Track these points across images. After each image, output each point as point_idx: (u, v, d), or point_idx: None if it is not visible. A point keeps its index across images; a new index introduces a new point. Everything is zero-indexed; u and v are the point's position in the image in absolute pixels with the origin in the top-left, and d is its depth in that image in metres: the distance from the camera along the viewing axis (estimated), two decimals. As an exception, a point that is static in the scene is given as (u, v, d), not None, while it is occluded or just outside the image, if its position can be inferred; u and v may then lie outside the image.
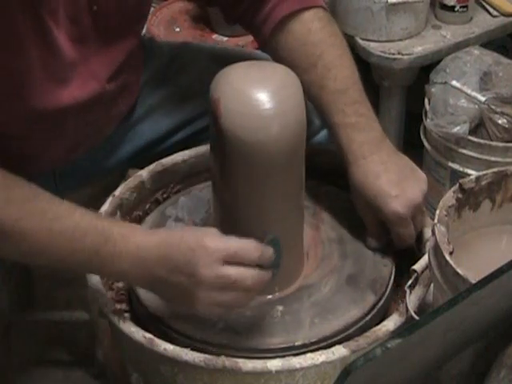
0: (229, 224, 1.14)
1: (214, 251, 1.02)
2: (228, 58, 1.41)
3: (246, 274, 1.02)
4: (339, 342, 1.08)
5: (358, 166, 1.19)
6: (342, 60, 1.25)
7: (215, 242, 1.03)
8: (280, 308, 1.15)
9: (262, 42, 1.32)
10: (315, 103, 1.24)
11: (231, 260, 1.02)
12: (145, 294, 1.16)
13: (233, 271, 1.02)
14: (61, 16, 1.13)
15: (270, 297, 1.16)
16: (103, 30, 1.21)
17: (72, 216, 1.05)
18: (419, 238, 1.23)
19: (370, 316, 1.14)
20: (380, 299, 1.16)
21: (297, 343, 1.10)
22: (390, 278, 1.19)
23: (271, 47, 1.29)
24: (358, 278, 1.19)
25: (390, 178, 1.18)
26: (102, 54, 1.22)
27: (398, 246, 1.22)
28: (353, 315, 1.13)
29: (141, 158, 1.42)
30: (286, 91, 1.09)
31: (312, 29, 1.26)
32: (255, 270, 1.03)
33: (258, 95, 1.07)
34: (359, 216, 1.25)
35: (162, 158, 1.35)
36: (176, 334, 1.12)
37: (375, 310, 1.15)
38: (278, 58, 1.27)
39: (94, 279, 1.17)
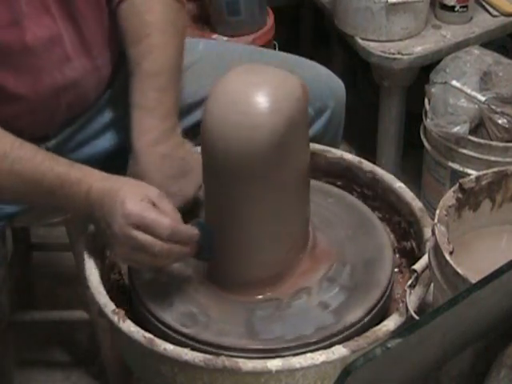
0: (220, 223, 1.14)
1: (128, 215, 1.10)
2: (227, 51, 1.41)
3: (152, 243, 1.10)
4: (339, 342, 1.08)
5: (142, 153, 1.23)
6: (166, 47, 1.29)
7: (134, 206, 1.11)
8: (281, 307, 1.15)
9: (112, 10, 1.34)
10: (128, 80, 1.28)
11: (142, 228, 1.10)
12: (145, 294, 1.16)
13: (140, 236, 1.10)
14: None
15: (269, 294, 1.16)
16: None
17: (33, 159, 1.16)
18: (419, 237, 1.23)
19: (370, 316, 1.14)
20: (380, 299, 1.16)
21: (297, 343, 1.09)
22: (390, 277, 1.19)
23: (116, 16, 1.33)
24: (357, 277, 1.18)
25: (172, 173, 1.23)
26: (58, 8, 1.26)
27: None
28: (353, 315, 1.13)
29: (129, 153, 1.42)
30: (280, 97, 1.09)
31: (153, 9, 1.31)
32: (162, 242, 1.09)
33: (251, 102, 1.07)
34: (359, 216, 1.25)
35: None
36: (176, 333, 1.12)
37: (375, 310, 1.15)
38: (118, 27, 1.33)
39: (94, 279, 1.17)
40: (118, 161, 1.45)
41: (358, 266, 1.19)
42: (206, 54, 1.45)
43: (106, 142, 1.43)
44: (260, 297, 1.16)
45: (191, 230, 1.12)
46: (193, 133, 1.37)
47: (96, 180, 1.16)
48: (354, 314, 1.13)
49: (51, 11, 1.27)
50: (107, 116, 1.42)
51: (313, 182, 1.24)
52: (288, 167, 1.12)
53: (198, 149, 1.31)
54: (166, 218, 1.11)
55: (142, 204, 1.11)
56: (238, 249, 1.15)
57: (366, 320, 1.13)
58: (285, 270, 1.18)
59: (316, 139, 1.38)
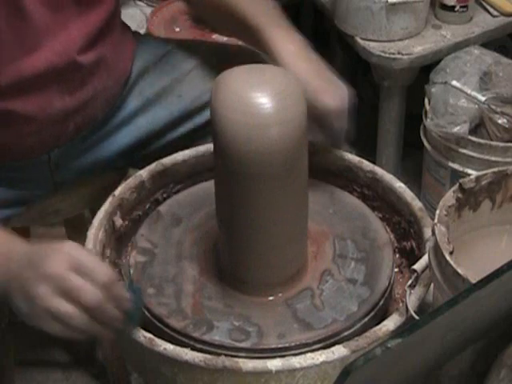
0: (230, 222, 1.14)
1: (66, 253, 1.00)
2: (228, 53, 1.41)
3: (88, 288, 0.99)
4: (339, 342, 1.08)
5: (290, 60, 1.20)
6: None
7: (72, 247, 1.02)
8: (315, 295, 1.15)
9: None
10: (232, 11, 1.27)
11: (79, 271, 0.99)
12: (145, 294, 1.16)
13: (76, 279, 0.99)
14: None
15: (271, 298, 1.17)
16: None
17: None
18: (419, 237, 1.23)
19: (369, 316, 1.14)
20: (380, 299, 1.16)
21: (297, 343, 1.09)
22: (390, 277, 1.19)
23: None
24: (357, 277, 1.19)
25: (320, 75, 1.19)
26: (78, 19, 1.24)
27: (332, 143, 1.26)
28: (353, 315, 1.13)
29: (138, 155, 1.42)
30: (285, 96, 1.08)
31: None
32: (100, 292, 0.99)
33: (256, 102, 1.07)
34: (359, 216, 1.25)
35: (161, 154, 1.35)
36: (176, 333, 1.12)
37: (375, 310, 1.15)
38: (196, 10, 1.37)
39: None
40: (120, 164, 1.46)
41: (355, 274, 1.19)
42: (207, 57, 1.45)
43: (109, 147, 1.42)
44: (271, 298, 1.17)
45: (125, 292, 1.03)
46: (197, 136, 1.37)
47: (20, 245, 1.07)
48: (382, 282, 1.16)
49: (72, 35, 1.24)
50: (112, 124, 1.41)
51: (313, 182, 1.24)
52: (297, 166, 1.12)
53: (201, 148, 1.33)
54: (107, 266, 1.05)
55: (84, 249, 1.06)
56: (254, 250, 1.15)
57: (365, 320, 1.13)
58: (295, 273, 1.18)
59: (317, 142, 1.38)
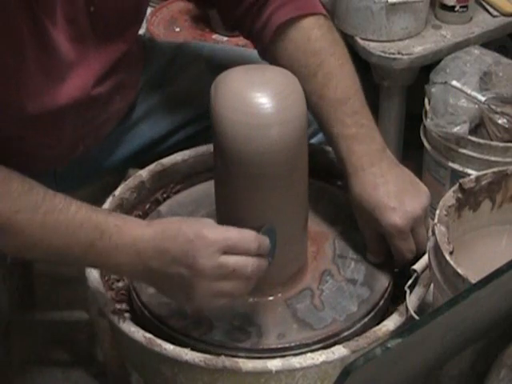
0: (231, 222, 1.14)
1: (214, 242, 1.01)
2: (228, 59, 1.41)
3: (244, 263, 1.02)
4: (339, 342, 1.08)
5: (356, 178, 1.17)
6: (342, 69, 1.23)
7: (214, 232, 1.02)
8: (282, 308, 1.15)
9: (261, 49, 1.29)
10: (315, 113, 1.22)
11: (230, 250, 1.02)
12: (145, 294, 1.16)
13: (232, 260, 1.02)
14: (58, 16, 1.13)
15: (271, 298, 1.16)
16: (101, 31, 1.21)
17: (66, 209, 1.04)
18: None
19: (369, 316, 1.14)
20: (380, 299, 1.16)
21: (297, 343, 1.09)
22: (390, 277, 1.19)
23: (271, 55, 1.27)
24: (357, 277, 1.19)
25: (389, 190, 1.15)
26: (99, 53, 1.22)
27: (398, 261, 1.19)
28: (353, 315, 1.13)
29: (141, 159, 1.42)
30: (285, 96, 1.08)
31: (312, 37, 1.23)
32: (253, 258, 1.03)
33: (256, 102, 1.07)
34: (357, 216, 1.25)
35: (161, 158, 1.35)
36: (176, 333, 1.12)
37: (375, 310, 1.15)
38: (277, 65, 1.24)
39: (94, 279, 1.17)
40: (122, 167, 1.46)
41: (354, 276, 1.19)
42: (211, 61, 1.46)
43: (111, 156, 1.43)
44: (271, 298, 1.17)
45: (267, 240, 1.06)
46: (204, 137, 1.37)
47: (139, 227, 1.05)
48: (382, 282, 1.16)
49: (91, 68, 1.22)
50: (115, 133, 1.42)
51: (313, 182, 1.24)
52: (297, 166, 1.12)
53: (201, 148, 1.32)
54: (249, 231, 1.04)
55: (219, 227, 1.04)
56: None
57: (365, 320, 1.13)
58: (295, 272, 1.18)
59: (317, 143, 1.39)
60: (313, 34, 1.24)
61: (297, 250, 1.18)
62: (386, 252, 1.19)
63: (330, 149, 1.35)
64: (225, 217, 1.15)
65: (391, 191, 1.15)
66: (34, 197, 1.04)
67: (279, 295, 1.17)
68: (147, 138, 1.43)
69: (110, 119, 1.36)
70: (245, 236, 1.04)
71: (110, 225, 1.05)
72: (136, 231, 1.04)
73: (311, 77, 1.21)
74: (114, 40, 1.24)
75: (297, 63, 1.22)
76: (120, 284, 1.25)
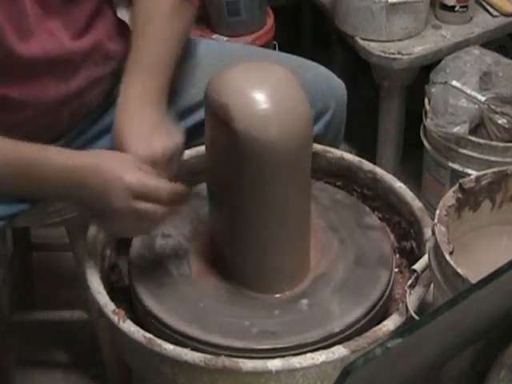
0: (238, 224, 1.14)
1: (128, 186, 1.12)
2: (227, 51, 1.41)
3: (154, 209, 1.13)
4: (339, 342, 1.08)
5: (122, 112, 1.24)
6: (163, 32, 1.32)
7: (131, 177, 1.13)
8: (281, 309, 1.15)
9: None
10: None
11: (142, 196, 1.12)
12: (145, 294, 1.16)
13: (142, 206, 1.12)
14: None
15: (277, 296, 1.17)
16: None
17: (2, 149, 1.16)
18: (419, 237, 1.23)
19: (369, 316, 1.14)
20: (380, 299, 1.16)
21: (297, 343, 1.09)
22: (390, 277, 1.19)
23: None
24: (357, 277, 1.19)
25: (141, 132, 1.22)
26: (62, 12, 1.27)
27: None
28: (353, 315, 1.13)
29: None
30: (287, 90, 1.09)
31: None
32: (164, 206, 1.13)
33: (261, 95, 1.08)
34: (358, 217, 1.25)
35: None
36: (176, 333, 1.12)
37: (375, 310, 1.15)
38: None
39: (94, 279, 1.17)
40: None
41: (353, 277, 1.19)
42: (206, 55, 1.45)
43: (107, 143, 1.42)
44: (278, 295, 1.17)
45: (182, 187, 1.15)
46: (195, 133, 1.37)
47: (66, 157, 1.17)
48: (383, 281, 1.16)
49: (57, 25, 1.28)
50: (109, 118, 1.42)
51: (313, 182, 1.24)
52: (298, 161, 1.13)
53: (201, 148, 1.33)
54: (165, 182, 1.14)
55: (139, 174, 1.13)
56: (263, 248, 1.15)
57: (365, 320, 1.13)
58: (305, 265, 1.19)
59: (317, 139, 1.38)
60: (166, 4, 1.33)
61: (301, 247, 1.18)
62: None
63: (330, 149, 1.36)
64: (225, 219, 1.16)
65: (143, 132, 1.23)
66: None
67: (277, 296, 1.17)
68: None
69: (94, 86, 1.36)
70: (159, 186, 1.13)
71: (39, 156, 1.17)
72: (62, 161, 1.16)
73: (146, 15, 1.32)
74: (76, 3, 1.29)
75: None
76: (120, 284, 1.25)
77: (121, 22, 1.43)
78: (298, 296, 1.17)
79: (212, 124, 1.12)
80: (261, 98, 1.07)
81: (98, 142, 1.42)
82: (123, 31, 1.41)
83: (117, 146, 1.21)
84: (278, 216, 1.13)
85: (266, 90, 1.09)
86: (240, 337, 1.10)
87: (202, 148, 1.34)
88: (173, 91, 1.42)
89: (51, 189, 1.18)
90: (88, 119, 1.41)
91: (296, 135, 1.09)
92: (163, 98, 1.28)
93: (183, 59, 1.44)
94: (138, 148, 1.19)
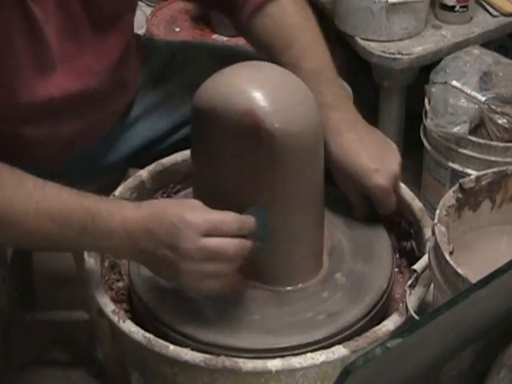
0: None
1: (195, 225, 1.04)
2: (228, 55, 1.41)
3: (226, 245, 1.05)
4: (339, 342, 1.08)
5: (336, 144, 1.22)
6: (316, 42, 1.31)
7: (196, 216, 1.05)
8: (279, 308, 1.15)
9: (238, 25, 1.35)
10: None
11: (211, 233, 1.05)
12: (145, 295, 1.16)
13: (213, 243, 1.05)
14: (49, 3, 1.14)
15: (289, 288, 1.17)
16: (95, 18, 1.21)
17: (58, 197, 1.08)
18: (419, 237, 1.23)
19: (369, 316, 1.14)
20: (380, 299, 1.16)
21: (297, 343, 1.09)
22: (390, 277, 1.19)
23: (248, 30, 1.33)
24: (358, 277, 1.19)
25: (369, 154, 1.22)
26: (95, 47, 1.23)
27: (384, 214, 1.26)
28: (353, 315, 1.13)
29: (140, 158, 1.42)
30: (291, 82, 1.12)
31: (288, 12, 1.30)
32: (236, 239, 1.06)
33: (275, 92, 1.10)
34: (359, 217, 1.26)
35: (161, 157, 1.35)
36: (176, 333, 1.12)
37: (375, 310, 1.15)
38: (254, 41, 1.34)
39: (94, 280, 1.17)
40: (121, 166, 1.46)
41: (354, 276, 1.19)
42: (212, 56, 1.46)
43: (110, 155, 1.43)
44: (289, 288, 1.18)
45: (251, 219, 1.09)
46: None
47: (129, 209, 1.08)
48: (383, 281, 1.16)
49: (87, 62, 1.23)
50: (114, 133, 1.42)
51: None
52: (319, 152, 1.14)
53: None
54: (229, 213, 1.07)
55: (200, 211, 1.07)
56: (278, 239, 1.15)
57: (365, 320, 1.13)
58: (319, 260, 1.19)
59: None
60: (289, 10, 1.31)
61: (312, 242, 1.18)
62: (370, 209, 1.25)
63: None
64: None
65: (371, 154, 1.22)
66: (26, 186, 1.07)
67: (299, 285, 1.17)
68: (146, 137, 1.43)
69: (109, 118, 1.35)
70: (225, 218, 1.07)
71: (101, 209, 1.08)
72: (126, 214, 1.08)
73: (287, 49, 1.28)
74: (110, 30, 1.25)
75: (274, 36, 1.30)
76: (120, 284, 1.25)
77: (136, 50, 1.40)
78: (297, 296, 1.17)
79: (228, 135, 1.11)
80: (277, 95, 1.09)
81: (98, 154, 1.41)
82: (137, 60, 1.40)
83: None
84: (311, 204, 1.15)
85: (275, 86, 1.10)
86: (240, 337, 1.10)
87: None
88: (175, 100, 1.43)
89: (114, 244, 1.08)
90: (99, 149, 1.40)
91: (314, 122, 1.12)
92: (354, 107, 1.28)
93: (189, 64, 1.45)
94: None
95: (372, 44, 1.98)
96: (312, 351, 1.07)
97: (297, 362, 1.05)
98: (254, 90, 1.09)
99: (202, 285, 1.08)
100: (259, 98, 1.08)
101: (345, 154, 1.21)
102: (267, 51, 1.30)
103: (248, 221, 1.08)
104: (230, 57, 1.38)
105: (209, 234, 1.05)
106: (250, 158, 1.11)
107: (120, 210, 1.08)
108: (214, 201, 1.11)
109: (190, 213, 1.06)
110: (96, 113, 1.30)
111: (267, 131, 1.07)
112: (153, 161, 1.34)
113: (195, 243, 1.04)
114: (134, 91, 1.40)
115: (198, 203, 1.09)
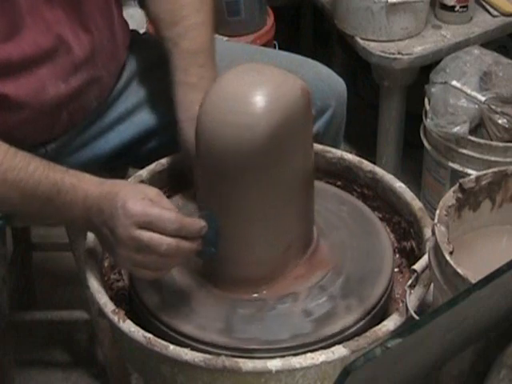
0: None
1: (132, 215, 1.07)
2: (229, 52, 1.41)
3: (158, 241, 1.07)
4: (339, 342, 1.08)
5: (188, 125, 1.22)
6: (202, 25, 1.32)
7: (137, 206, 1.08)
8: (264, 309, 1.15)
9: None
10: (167, 59, 1.31)
11: (147, 226, 1.07)
12: (145, 294, 1.16)
13: (144, 236, 1.07)
14: None
15: (256, 294, 1.17)
16: None
17: (26, 167, 1.13)
18: (419, 237, 1.23)
19: (369, 316, 1.14)
20: (380, 299, 1.16)
21: (297, 343, 1.09)
22: (390, 277, 1.19)
23: (147, 3, 1.37)
24: (349, 289, 1.18)
25: None
26: (62, 3, 1.25)
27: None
28: (332, 327, 1.12)
29: (136, 152, 1.42)
30: (278, 96, 1.10)
31: None
32: (172, 238, 1.07)
33: (248, 101, 1.08)
34: (359, 217, 1.25)
35: (157, 153, 1.35)
36: (176, 333, 1.12)
37: (375, 311, 1.15)
38: (149, 13, 1.37)
39: (94, 280, 1.17)
40: (116, 163, 1.46)
41: (354, 277, 1.19)
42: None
43: (105, 144, 1.42)
44: (247, 296, 1.16)
45: (198, 223, 1.10)
46: None
47: (92, 185, 1.13)
48: (333, 326, 1.11)
49: (59, 17, 1.25)
50: (107, 120, 1.42)
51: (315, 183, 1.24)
52: (286, 166, 1.12)
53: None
54: (170, 212, 1.08)
55: (143, 202, 1.08)
56: (232, 246, 1.15)
57: (365, 320, 1.13)
58: (279, 271, 1.18)
59: (317, 138, 1.38)
60: None
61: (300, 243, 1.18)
62: None
63: (329, 149, 1.36)
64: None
65: None
66: None
67: (255, 295, 1.17)
68: (141, 129, 1.43)
69: (92, 86, 1.35)
70: (163, 215, 1.08)
71: (66, 183, 1.13)
72: (87, 189, 1.13)
73: (173, 25, 1.32)
74: None
75: (165, 12, 1.34)
76: (120, 284, 1.25)
77: (122, 26, 1.41)
78: (287, 298, 1.16)
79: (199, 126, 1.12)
80: (248, 102, 1.09)
81: (95, 142, 1.42)
82: (123, 36, 1.40)
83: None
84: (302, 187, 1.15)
85: (256, 94, 1.09)
86: (240, 336, 1.10)
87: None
88: (162, 97, 1.42)
89: (75, 215, 1.14)
90: (86, 120, 1.40)
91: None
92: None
93: None
94: None
95: (372, 44, 1.98)
96: (312, 351, 1.07)
97: (297, 362, 1.05)
98: (227, 89, 1.10)
99: (133, 270, 1.12)
100: (216, 96, 1.10)
101: (192, 131, 1.20)
102: (156, 25, 1.35)
103: (192, 223, 1.09)
104: (225, 52, 1.38)
105: (144, 226, 1.07)
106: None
107: (83, 184, 1.13)
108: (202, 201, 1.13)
109: (133, 201, 1.08)
110: (78, 77, 1.31)
111: (198, 129, 1.11)
112: (148, 158, 1.34)
113: (129, 232, 1.07)
114: (119, 68, 1.40)
115: (153, 193, 1.11)
